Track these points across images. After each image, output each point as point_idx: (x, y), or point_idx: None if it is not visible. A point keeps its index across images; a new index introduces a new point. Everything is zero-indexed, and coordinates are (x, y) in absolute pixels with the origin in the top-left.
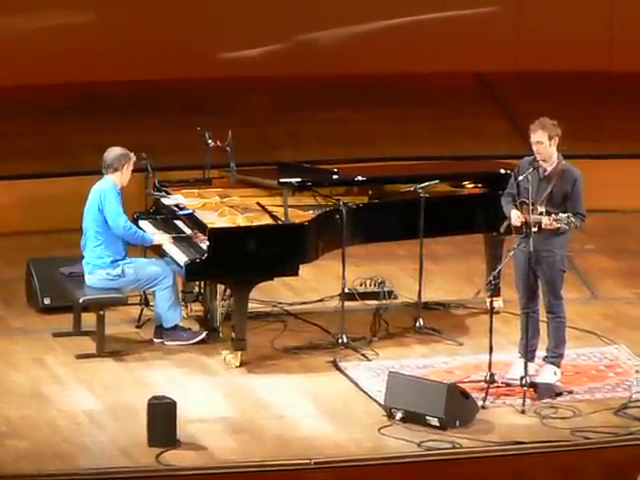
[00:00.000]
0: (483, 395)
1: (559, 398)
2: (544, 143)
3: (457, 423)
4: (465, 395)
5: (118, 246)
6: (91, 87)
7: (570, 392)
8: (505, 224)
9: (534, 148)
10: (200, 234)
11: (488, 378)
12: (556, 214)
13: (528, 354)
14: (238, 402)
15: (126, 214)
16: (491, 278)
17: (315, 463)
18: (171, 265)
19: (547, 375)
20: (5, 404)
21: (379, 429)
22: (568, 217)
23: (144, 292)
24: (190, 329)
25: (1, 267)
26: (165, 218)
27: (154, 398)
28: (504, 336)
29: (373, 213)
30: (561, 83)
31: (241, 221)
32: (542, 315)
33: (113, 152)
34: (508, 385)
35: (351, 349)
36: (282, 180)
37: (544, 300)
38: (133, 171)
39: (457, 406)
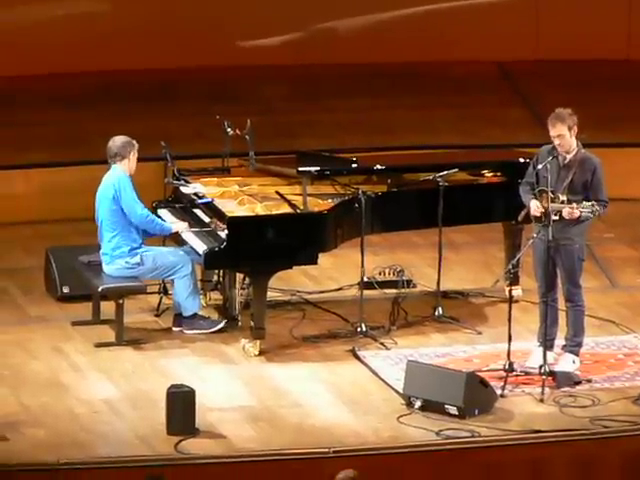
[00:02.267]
0: (502, 384)
1: (578, 387)
2: (565, 135)
3: (476, 412)
4: (484, 384)
5: (134, 234)
6: (108, 76)
7: (589, 381)
8: (523, 213)
9: (555, 142)
10: (219, 223)
11: (507, 367)
12: (578, 202)
13: (547, 343)
14: (257, 391)
15: (142, 202)
16: (510, 267)
17: (334, 452)
18: (190, 254)
19: (566, 364)
20: (24, 393)
21: (398, 418)
22: (592, 205)
23: (163, 281)
24: (209, 318)
25: (20, 255)
26: (184, 207)
27: (173, 387)
28: (523, 325)
29: (392, 202)
30: (580, 71)
31: (260, 210)
32: (561, 304)
33: (118, 141)
34: (527, 374)
35: (370, 338)
36: (301, 169)
37: (563, 289)
38: (152, 159)
39: (476, 395)
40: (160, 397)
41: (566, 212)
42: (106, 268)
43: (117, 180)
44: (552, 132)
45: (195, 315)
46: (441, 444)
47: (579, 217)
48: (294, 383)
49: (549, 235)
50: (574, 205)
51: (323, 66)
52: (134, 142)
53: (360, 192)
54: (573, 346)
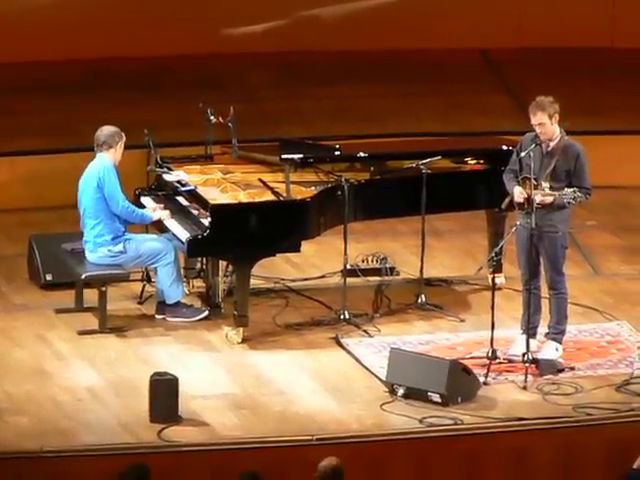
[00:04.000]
0: (485, 371)
1: (561, 374)
2: (545, 123)
3: (459, 399)
4: (467, 371)
5: (117, 223)
6: (93, 64)
7: (572, 368)
8: (507, 200)
9: (537, 130)
10: (202, 210)
11: (490, 354)
12: (561, 190)
13: (530, 330)
14: (240, 378)
15: (124, 192)
16: (493, 254)
17: (317, 439)
18: (173, 241)
19: (549, 351)
20: (7, 380)
21: (381, 405)
22: (574, 192)
23: (146, 268)
24: (192, 306)
25: (3, 243)
26: (167, 194)
27: (156, 374)
28: (506, 312)
29: (375, 189)
30: (564, 59)
31: (243, 197)
32: (544, 291)
33: (106, 130)
34: (510, 361)
35: (353, 325)
36: (284, 156)
37: (546, 276)
38: (135, 147)
39: (459, 382)
40: (143, 385)
41: (538, 199)
42: (89, 256)
43: (102, 168)
44: (533, 121)
45: (178, 303)
46: (424, 431)
47: (551, 204)
48: (277, 371)
49: (532, 222)
50: (547, 192)
51: (307, 54)
52: (122, 134)
53: (343, 180)
54: (556, 334)
